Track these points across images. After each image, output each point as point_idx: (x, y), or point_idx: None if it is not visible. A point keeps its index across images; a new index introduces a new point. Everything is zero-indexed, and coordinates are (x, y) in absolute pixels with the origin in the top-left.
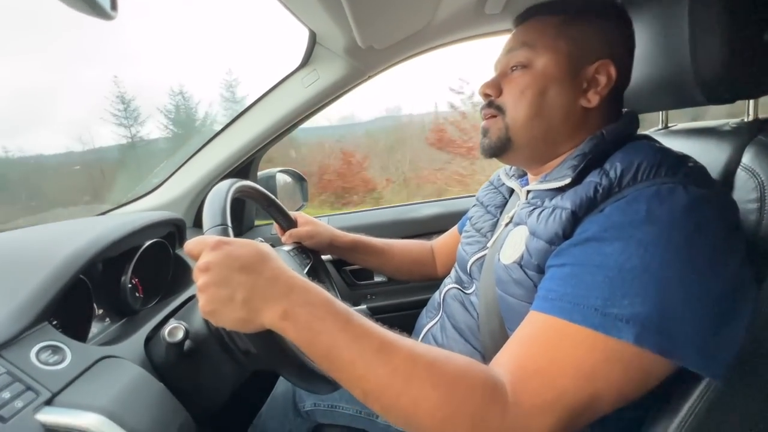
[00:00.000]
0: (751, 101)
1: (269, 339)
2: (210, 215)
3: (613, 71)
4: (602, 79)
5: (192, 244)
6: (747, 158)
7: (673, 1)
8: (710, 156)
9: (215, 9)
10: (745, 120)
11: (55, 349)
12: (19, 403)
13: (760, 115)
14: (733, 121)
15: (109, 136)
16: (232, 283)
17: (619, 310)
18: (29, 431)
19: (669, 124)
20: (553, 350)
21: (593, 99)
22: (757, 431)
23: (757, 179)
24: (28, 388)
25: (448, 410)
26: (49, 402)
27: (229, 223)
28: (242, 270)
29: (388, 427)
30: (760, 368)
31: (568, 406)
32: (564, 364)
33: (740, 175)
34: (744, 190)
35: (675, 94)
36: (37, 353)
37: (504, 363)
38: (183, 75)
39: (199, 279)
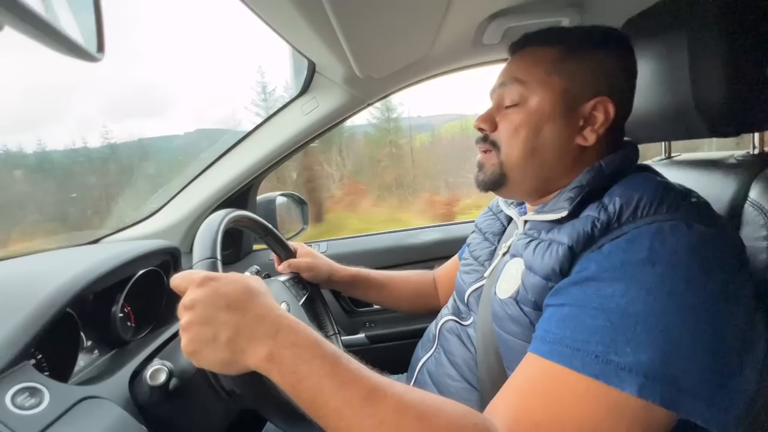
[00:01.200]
0: (756, 134)
1: (254, 380)
2: (200, 248)
3: (611, 108)
4: (599, 117)
5: (178, 279)
6: (754, 193)
7: (673, 33)
8: (715, 189)
9: None
10: (751, 153)
11: (33, 391)
12: None
13: (766, 148)
14: (738, 154)
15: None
16: (216, 322)
17: (621, 358)
18: None
19: (672, 154)
20: (552, 402)
21: (590, 137)
22: None
23: (765, 216)
24: None
25: None
26: None
27: (218, 256)
28: (228, 308)
29: None
30: (765, 422)
31: None
32: (563, 419)
33: (748, 210)
34: (752, 227)
35: (677, 125)
36: (13, 397)
37: (500, 413)
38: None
39: (183, 317)
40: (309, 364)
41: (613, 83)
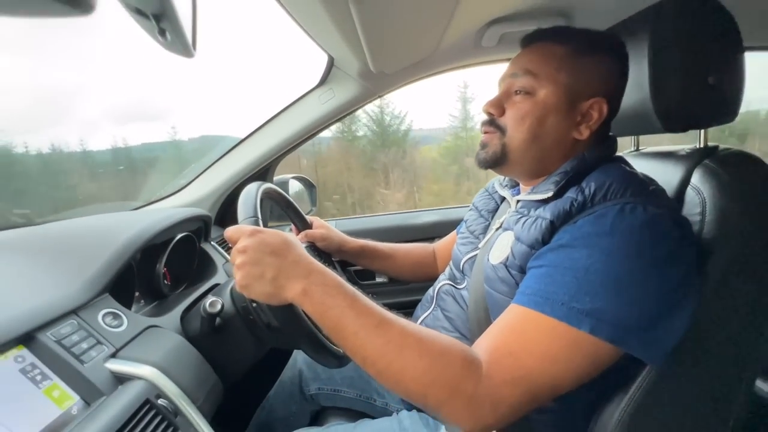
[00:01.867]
0: (702, 131)
1: (290, 313)
2: (244, 209)
3: (605, 109)
4: (594, 115)
5: (232, 230)
6: (695, 179)
7: (638, 44)
8: (668, 176)
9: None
10: (697, 146)
11: (115, 315)
12: (93, 353)
13: (709, 143)
14: (687, 147)
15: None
16: (263, 263)
17: (581, 305)
18: (101, 374)
19: (640, 147)
20: (524, 336)
21: (584, 133)
22: (687, 409)
23: (700, 196)
24: (99, 342)
25: (430, 377)
26: (113, 355)
27: (259, 215)
28: (272, 254)
29: (385, 408)
30: (692, 359)
31: (533, 382)
32: (532, 348)
33: (689, 192)
34: (691, 205)
35: (640, 122)
36: (103, 317)
37: (483, 345)
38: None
39: (237, 259)
40: (334, 298)
41: (609, 86)
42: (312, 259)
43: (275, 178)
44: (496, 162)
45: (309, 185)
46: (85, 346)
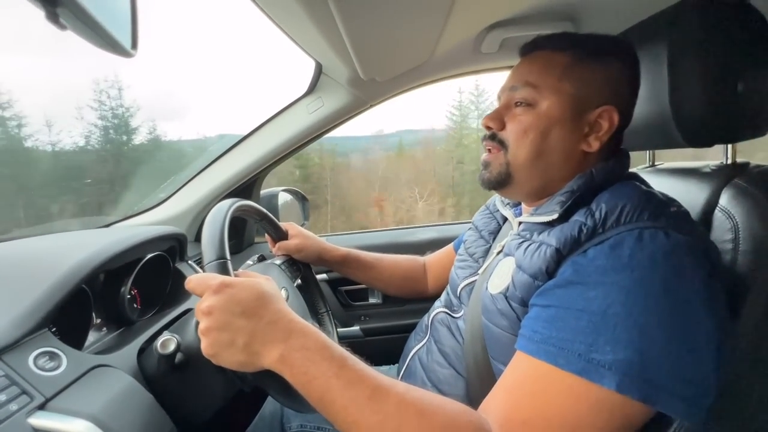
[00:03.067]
0: (729, 146)
1: (267, 374)
2: (209, 248)
3: (615, 117)
4: (604, 125)
5: (194, 282)
6: (724, 200)
7: (655, 49)
8: (691, 195)
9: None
10: (724, 163)
11: (52, 356)
12: (13, 406)
13: (738, 160)
14: (713, 164)
15: None
16: (232, 327)
17: (602, 356)
18: None
19: (656, 163)
20: (539, 398)
21: (594, 144)
22: None
23: (732, 221)
24: (24, 392)
25: None
26: (42, 407)
27: (227, 256)
28: (243, 315)
29: None
30: (732, 406)
31: None
32: (549, 414)
33: (717, 215)
34: (720, 231)
35: (659, 135)
36: (35, 359)
37: (492, 411)
38: None
39: (202, 322)
40: (318, 365)
41: (619, 93)
42: (292, 316)
43: (263, 192)
44: (501, 183)
45: (301, 198)
46: (2, 398)
